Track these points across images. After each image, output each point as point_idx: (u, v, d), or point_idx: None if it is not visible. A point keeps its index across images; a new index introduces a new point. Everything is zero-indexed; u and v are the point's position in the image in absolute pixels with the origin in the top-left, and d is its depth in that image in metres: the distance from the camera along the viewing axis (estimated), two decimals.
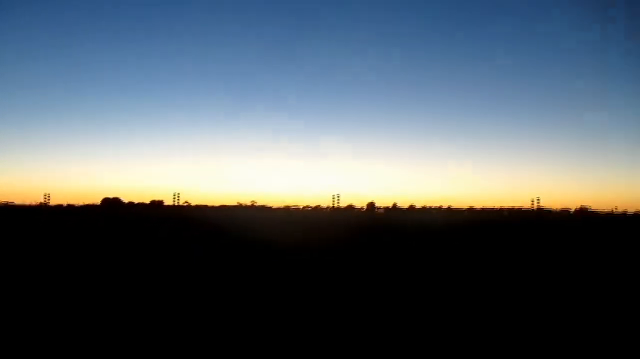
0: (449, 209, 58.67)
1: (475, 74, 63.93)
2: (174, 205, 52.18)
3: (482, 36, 61.75)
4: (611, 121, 64.09)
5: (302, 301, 3.55)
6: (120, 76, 63.09)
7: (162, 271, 4.95)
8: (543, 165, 65.91)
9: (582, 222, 26.36)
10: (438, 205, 59.28)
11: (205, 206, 54.54)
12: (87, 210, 43.19)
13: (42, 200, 48.79)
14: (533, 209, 54.63)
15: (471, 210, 58.13)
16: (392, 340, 2.62)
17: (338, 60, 63.09)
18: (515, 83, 63.53)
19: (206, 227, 14.57)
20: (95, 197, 55.55)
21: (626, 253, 7.67)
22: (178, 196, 52.68)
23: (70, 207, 47.64)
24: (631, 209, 50.50)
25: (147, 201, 53.86)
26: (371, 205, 56.84)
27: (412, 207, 58.58)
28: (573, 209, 55.42)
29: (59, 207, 46.94)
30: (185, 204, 54.01)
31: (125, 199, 51.66)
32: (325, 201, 59.73)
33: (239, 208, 54.15)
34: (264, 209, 53.73)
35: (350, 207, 57.52)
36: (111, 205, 49.24)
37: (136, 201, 52.85)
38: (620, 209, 51.99)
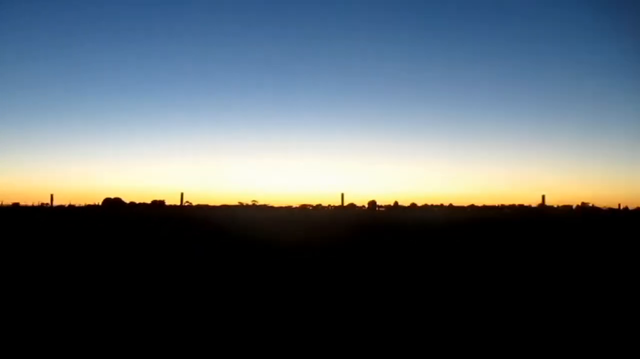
0: (451, 206, 58.65)
1: (475, 72, 63.73)
2: (180, 205, 52.19)
3: (482, 33, 61.53)
4: (611, 116, 63.86)
5: (304, 300, 3.54)
6: (121, 76, 62.89)
7: (162, 271, 4.95)
8: (544, 162, 65.69)
9: (585, 218, 26.34)
10: (439, 203, 59.24)
11: (207, 206, 54.60)
12: (88, 210, 43.23)
13: (49, 200, 48.89)
14: (534, 206, 54.50)
15: (473, 207, 58.09)
16: (395, 339, 2.61)
17: (337, 60, 62.94)
18: (515, 80, 63.35)
19: (207, 227, 14.58)
20: (96, 198, 55.56)
21: (631, 249, 7.65)
22: (182, 195, 52.59)
23: (72, 208, 47.70)
24: (632, 206, 50.32)
25: (149, 201, 53.93)
26: (372, 203, 56.80)
27: (413, 205, 58.54)
28: (574, 206, 55.31)
29: (60, 208, 47.00)
30: (187, 204, 54.07)
31: (127, 199, 51.71)
32: (326, 200, 59.60)
33: (240, 207, 54.18)
34: (265, 208, 53.73)
35: (351, 206, 57.45)
36: (112, 205, 49.28)
37: (137, 201, 52.92)
38: (621, 206, 51.87)
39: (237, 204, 56.08)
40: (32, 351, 2.43)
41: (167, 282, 4.33)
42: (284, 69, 63.35)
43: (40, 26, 55.57)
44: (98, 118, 66.74)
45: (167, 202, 54.82)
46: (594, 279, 4.61)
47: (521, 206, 56.86)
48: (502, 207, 57.44)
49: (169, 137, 70.05)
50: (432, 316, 3.14)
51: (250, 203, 56.92)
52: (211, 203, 55.87)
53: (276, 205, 55.28)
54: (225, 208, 53.72)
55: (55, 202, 49.60)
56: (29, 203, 49.79)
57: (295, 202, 58.32)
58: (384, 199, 61.62)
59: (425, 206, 58.58)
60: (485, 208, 57.61)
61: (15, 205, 47.11)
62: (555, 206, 55.48)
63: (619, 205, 49.03)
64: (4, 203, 51.60)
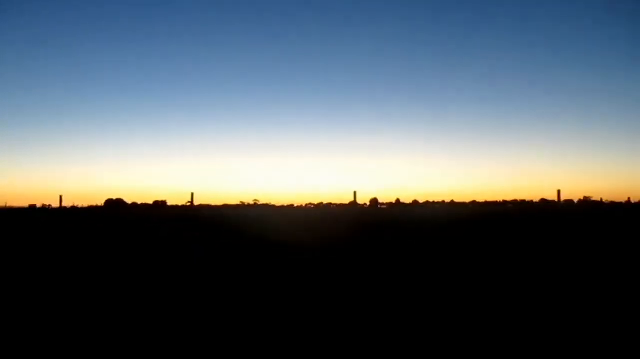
0: (452, 202, 58.63)
1: (476, 70, 63.63)
2: (191, 204, 52.51)
3: (482, 30, 61.38)
4: (611, 112, 63.77)
5: (306, 300, 3.46)
6: (121, 76, 63.04)
7: (162, 272, 4.87)
8: (546, 158, 65.66)
9: (587, 212, 26.25)
10: (441, 199, 59.22)
11: (209, 206, 54.65)
12: (91, 211, 43.35)
13: (45, 202, 49.01)
14: (536, 201, 54.44)
15: (475, 203, 58.07)
16: (398, 337, 2.52)
17: (338, 60, 62.92)
18: (516, 78, 63.21)
19: (208, 226, 14.53)
20: (98, 199, 55.71)
21: (634, 242, 7.56)
22: (192, 196, 52.89)
23: (74, 209, 47.81)
24: (634, 199, 50.24)
25: (150, 202, 54.02)
26: (374, 201, 56.79)
27: (415, 202, 58.53)
28: (577, 200, 55.18)
29: (62, 209, 47.10)
30: (188, 203, 54.13)
31: (129, 200, 51.84)
32: (326, 198, 59.63)
33: (241, 207, 54.22)
34: (266, 207, 53.76)
35: (353, 204, 57.41)
36: (114, 206, 49.41)
37: (139, 202, 53.02)
38: (621, 199, 51.76)
39: (238, 203, 56.13)
40: (32, 350, 2.38)
41: (166, 283, 4.25)
42: (284, 68, 63.22)
43: (40, 26, 55.54)
44: (98, 118, 66.69)
45: (169, 203, 54.99)
46: (601, 275, 4.52)
47: (523, 201, 56.82)
48: (504, 203, 57.40)
49: (170, 137, 70.05)
50: (436, 314, 3.06)
51: (251, 202, 56.97)
52: (212, 203, 55.95)
53: (278, 204, 55.33)
54: (226, 208, 53.77)
55: (58, 204, 49.77)
56: (27, 204, 49.99)
57: (297, 201, 58.33)
58: (386, 196, 61.62)
59: (427, 203, 58.56)
60: (487, 204, 57.62)
61: (15, 208, 47.28)
62: (557, 200, 55.36)
63: (629, 199, 48.85)
64: (7, 204, 51.75)
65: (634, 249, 6.89)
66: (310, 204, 58.49)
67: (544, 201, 55.52)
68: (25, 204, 51.23)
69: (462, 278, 4.49)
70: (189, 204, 54.27)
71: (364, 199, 57.47)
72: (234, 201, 56.49)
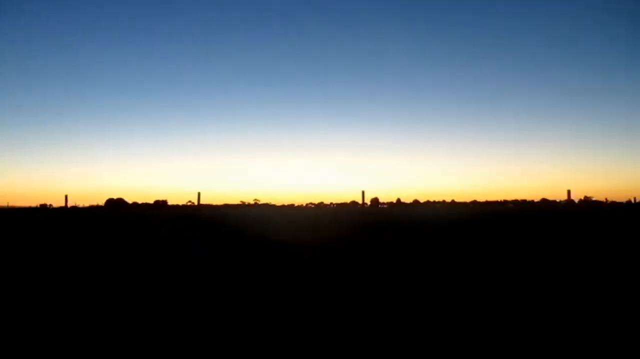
0: (453, 202, 58.60)
1: (476, 70, 63.54)
2: (198, 204, 52.34)
3: (482, 30, 61.29)
4: (612, 112, 63.70)
5: (306, 299, 3.46)
6: (121, 76, 63.07)
7: (161, 272, 4.88)
8: (547, 157, 65.57)
9: (588, 212, 26.22)
10: (441, 199, 59.19)
11: (209, 205, 54.67)
12: (92, 211, 43.37)
13: (57, 202, 49.17)
14: (537, 201, 54.41)
15: (475, 203, 58.04)
16: (399, 336, 2.52)
17: (338, 60, 62.86)
18: (516, 78, 63.14)
19: (208, 226, 14.54)
20: (99, 198, 55.73)
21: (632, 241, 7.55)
22: (199, 195, 52.80)
23: (75, 209, 47.84)
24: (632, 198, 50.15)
25: (151, 201, 54.05)
26: (375, 201, 56.78)
27: (416, 202, 58.50)
28: (577, 200, 55.13)
29: (61, 209, 47.13)
30: (189, 203, 54.14)
31: (129, 200, 51.85)
32: (328, 198, 59.61)
33: (242, 206, 54.23)
34: (267, 207, 53.78)
35: (353, 203, 57.37)
36: (115, 206, 49.42)
37: (140, 201, 53.04)
38: (621, 199, 51.69)
39: (239, 203, 56.15)
40: (31, 351, 2.38)
41: (166, 283, 4.26)
42: (284, 68, 63.29)
43: (40, 26, 55.63)
44: (98, 118, 66.84)
45: (170, 202, 55.01)
46: (602, 275, 4.51)
47: (524, 201, 56.78)
48: (505, 202, 57.36)
49: (171, 137, 70.17)
50: (436, 314, 3.06)
51: (252, 202, 56.97)
52: (213, 202, 55.96)
53: (278, 204, 55.33)
54: (226, 207, 53.79)
55: (57, 204, 49.83)
56: (27, 204, 50.08)
57: (297, 201, 58.32)
58: (387, 195, 61.63)
59: (428, 203, 58.55)
60: (488, 203, 57.58)
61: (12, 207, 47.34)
62: (558, 200, 55.31)
63: (634, 199, 48.72)
64: (9, 204, 51.83)
65: (634, 248, 6.88)
66: (310, 203, 58.46)
67: (544, 201, 55.47)
68: (25, 204, 51.33)
69: (463, 278, 4.50)
70: (189, 203, 54.29)
71: (365, 198, 57.31)
72: (234, 200, 56.49)
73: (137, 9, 56.76)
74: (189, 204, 54.10)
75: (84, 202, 52.13)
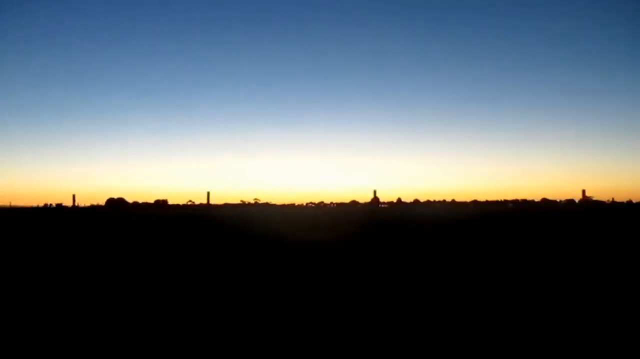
0: (453, 202, 58.58)
1: (476, 70, 63.45)
2: (207, 204, 52.40)
3: (482, 30, 61.21)
4: (612, 111, 63.62)
5: (306, 299, 3.45)
6: (122, 76, 63.06)
7: (161, 272, 4.87)
8: (547, 157, 65.51)
9: (588, 211, 26.20)
10: (442, 198, 59.18)
11: (210, 204, 54.63)
12: (92, 210, 43.40)
13: (72, 201, 49.16)
14: (537, 201, 54.36)
15: (476, 203, 58.02)
16: (400, 336, 2.52)
17: (336, 58, 62.77)
18: (516, 78, 63.08)
19: (208, 225, 14.54)
20: (100, 198, 55.70)
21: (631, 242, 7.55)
22: (209, 195, 52.90)
23: (75, 208, 47.85)
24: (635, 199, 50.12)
25: (152, 201, 54.05)
26: (376, 200, 56.75)
27: (416, 201, 58.48)
28: (577, 200, 55.06)
29: (62, 208, 47.15)
30: (190, 203, 54.14)
31: (130, 199, 51.85)
32: (328, 197, 59.61)
33: (242, 206, 54.22)
34: (267, 206, 53.77)
35: (354, 203, 57.40)
36: (116, 205, 49.41)
37: (140, 201, 53.03)
38: (621, 199, 51.60)
39: (239, 202, 56.15)
40: (31, 350, 2.38)
41: (166, 283, 4.25)
42: (283, 69, 63.25)
43: (40, 26, 55.59)
44: (98, 118, 66.83)
45: (170, 201, 55.03)
46: (601, 275, 4.51)
47: (524, 201, 56.74)
48: (505, 202, 57.33)
49: (172, 136, 70.19)
50: (436, 314, 3.05)
51: (252, 201, 56.97)
52: (213, 202, 55.98)
53: (278, 203, 55.32)
54: (227, 206, 53.78)
55: (59, 203, 49.85)
56: (27, 204, 50.12)
57: (297, 200, 58.29)
58: (387, 195, 61.58)
59: (428, 202, 58.53)
60: (488, 203, 57.55)
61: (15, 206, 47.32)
62: (558, 200, 55.28)
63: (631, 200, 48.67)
64: (12, 204, 51.86)
65: (633, 248, 6.87)
66: (310, 203, 58.41)
67: (545, 201, 55.42)
68: (27, 203, 51.35)
69: (463, 277, 4.49)
70: (190, 203, 54.26)
71: (364, 198, 57.38)
72: (234, 199, 56.47)
73: (137, 9, 56.74)
74: (189, 203, 54.10)
75: (84, 201, 52.12)
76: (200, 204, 53.99)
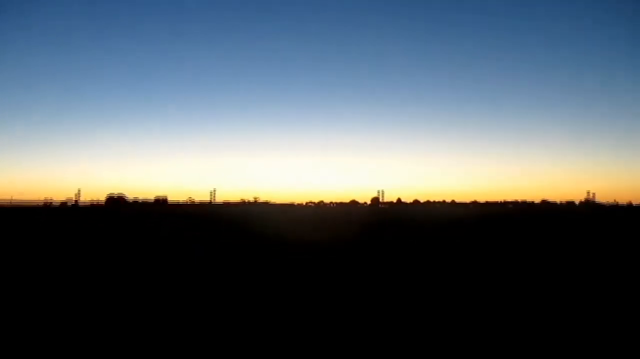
0: (453, 202, 58.57)
1: (476, 70, 63.37)
2: (211, 202, 52.25)
3: (482, 30, 61.14)
4: (611, 111, 63.53)
5: (306, 299, 3.45)
6: (123, 75, 63.04)
7: (161, 272, 4.87)
8: (547, 157, 65.47)
9: (588, 213, 26.16)
10: (442, 199, 59.18)
11: (209, 203, 54.62)
12: (92, 208, 43.37)
13: (74, 198, 49.17)
14: (537, 202, 54.44)
15: (475, 203, 58.03)
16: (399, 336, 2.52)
17: (337, 58, 62.70)
18: (516, 78, 62.96)
19: (208, 224, 14.51)
20: (99, 195, 55.71)
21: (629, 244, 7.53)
22: (214, 192, 52.80)
23: (75, 206, 47.80)
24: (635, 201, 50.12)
25: (152, 198, 54.06)
26: (376, 200, 56.75)
27: (416, 202, 58.49)
28: (578, 202, 55.05)
29: (63, 207, 47.13)
30: (190, 201, 54.13)
31: (130, 196, 51.85)
32: (328, 197, 59.66)
33: (242, 204, 54.22)
34: (266, 205, 53.76)
35: (354, 203, 57.46)
36: (116, 203, 49.39)
37: (141, 199, 53.04)
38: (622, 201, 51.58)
39: (239, 201, 56.16)
40: (31, 350, 2.37)
41: (165, 284, 4.25)
42: (283, 69, 63.08)
43: (40, 26, 55.47)
44: (97, 117, 66.74)
45: (170, 200, 55.05)
46: (600, 274, 4.50)
47: (524, 202, 56.75)
48: (505, 203, 57.33)
49: (173, 136, 70.15)
50: (436, 313, 3.05)
51: (252, 200, 56.97)
52: (214, 200, 55.92)
53: (278, 202, 55.32)
54: (227, 206, 53.78)
55: (59, 200, 49.85)
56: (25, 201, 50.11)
57: (297, 199, 58.29)
58: (387, 195, 61.61)
59: (428, 202, 58.51)
60: (487, 204, 57.57)
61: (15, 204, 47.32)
62: (559, 201, 55.30)
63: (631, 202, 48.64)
64: (13, 199, 51.86)
65: (631, 248, 6.86)
66: (310, 202, 58.41)
67: (544, 202, 55.41)
68: (27, 198, 51.31)
69: (463, 277, 4.49)
70: (190, 201, 54.25)
71: (365, 198, 57.40)
72: (235, 198, 56.48)
73: (137, 9, 56.66)
74: (188, 201, 54.08)
75: (85, 198, 52.12)
76: (201, 202, 53.97)
